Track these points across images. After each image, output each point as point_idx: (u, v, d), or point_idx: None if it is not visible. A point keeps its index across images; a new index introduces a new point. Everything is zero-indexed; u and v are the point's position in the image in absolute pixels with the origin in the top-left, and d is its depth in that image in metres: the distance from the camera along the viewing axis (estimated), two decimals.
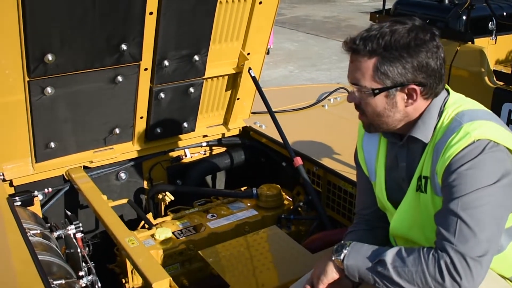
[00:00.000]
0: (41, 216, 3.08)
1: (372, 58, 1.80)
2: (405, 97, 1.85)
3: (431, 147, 1.85)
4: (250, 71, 3.43)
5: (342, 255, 1.89)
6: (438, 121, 1.86)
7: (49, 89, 2.76)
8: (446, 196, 1.77)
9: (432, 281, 1.71)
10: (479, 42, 5.87)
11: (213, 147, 3.83)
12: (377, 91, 1.83)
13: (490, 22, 6.06)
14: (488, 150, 1.73)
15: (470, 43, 5.81)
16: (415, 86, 1.82)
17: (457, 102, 1.89)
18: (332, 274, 1.93)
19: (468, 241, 1.69)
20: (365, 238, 2.09)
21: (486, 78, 5.52)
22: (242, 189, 3.54)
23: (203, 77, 3.30)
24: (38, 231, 2.62)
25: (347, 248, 1.90)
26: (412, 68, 1.79)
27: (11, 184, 3.04)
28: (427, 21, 6.00)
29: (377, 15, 6.88)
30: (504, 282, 1.93)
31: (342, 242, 1.94)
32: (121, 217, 3.14)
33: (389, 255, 1.79)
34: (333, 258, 1.92)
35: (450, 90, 1.94)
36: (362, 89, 1.85)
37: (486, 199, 1.71)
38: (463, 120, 1.80)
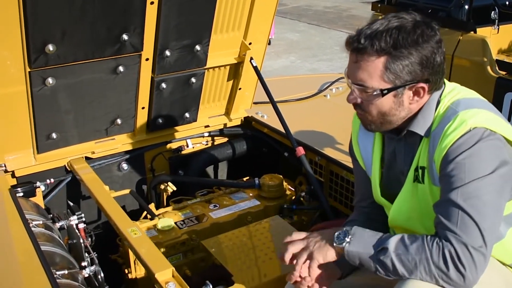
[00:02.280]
0: (43, 207, 3.09)
1: (381, 57, 1.75)
2: (411, 95, 1.83)
3: (428, 137, 1.85)
4: (252, 61, 3.42)
5: (344, 243, 1.87)
6: (435, 111, 1.86)
7: (50, 80, 2.75)
8: (445, 186, 1.77)
9: (435, 269, 1.71)
10: (482, 31, 5.85)
11: (215, 138, 3.82)
12: (386, 91, 1.79)
13: (493, 12, 6.04)
14: (484, 139, 1.73)
15: (472, 32, 5.78)
16: (423, 84, 1.80)
17: (453, 91, 1.89)
18: (331, 256, 1.90)
19: (471, 231, 1.69)
20: None
21: (488, 67, 5.50)
22: (244, 179, 3.55)
23: (205, 67, 3.29)
24: (41, 222, 2.63)
25: (349, 236, 1.87)
26: (420, 65, 1.77)
27: (13, 175, 3.04)
28: (429, 10, 5.98)
29: (379, 5, 6.85)
30: (505, 269, 1.94)
31: (345, 229, 1.90)
32: (123, 207, 3.14)
33: (392, 242, 1.78)
34: (334, 245, 1.90)
35: (445, 81, 1.93)
36: (368, 90, 1.80)
37: (485, 188, 1.71)
38: (458, 108, 1.79)
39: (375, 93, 1.80)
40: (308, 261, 1.91)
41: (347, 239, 1.87)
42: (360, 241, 1.85)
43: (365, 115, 1.89)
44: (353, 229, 1.89)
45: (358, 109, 1.90)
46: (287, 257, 1.94)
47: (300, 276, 1.94)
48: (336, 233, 1.90)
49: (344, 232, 1.90)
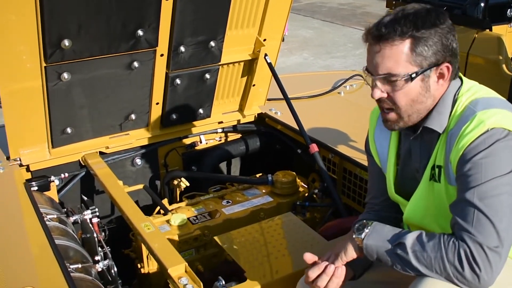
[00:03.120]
0: (57, 201, 3.11)
1: (405, 40, 1.75)
2: (436, 79, 1.82)
3: (445, 136, 1.84)
4: (266, 57, 3.42)
5: (363, 234, 1.88)
6: (452, 109, 1.85)
7: (65, 75, 2.77)
8: (462, 185, 1.75)
9: (450, 268, 1.70)
10: (497, 29, 5.80)
11: (229, 134, 3.83)
12: (414, 75, 1.77)
13: (509, 9, 5.98)
14: (503, 139, 1.71)
15: (487, 30, 5.74)
16: (448, 64, 1.80)
17: (471, 89, 1.86)
18: (351, 253, 1.93)
19: (486, 230, 1.68)
20: None
21: (503, 66, 5.46)
22: (257, 175, 3.54)
23: (219, 63, 3.29)
24: (55, 216, 2.64)
25: (369, 227, 1.89)
26: (442, 46, 1.77)
27: (28, 169, 3.06)
28: (445, 8, 5.94)
29: (394, 2, 6.81)
30: None
31: (364, 221, 1.92)
32: (136, 202, 3.15)
33: (410, 238, 1.78)
34: (353, 237, 1.91)
35: (464, 78, 1.91)
36: (396, 78, 1.78)
37: (502, 188, 1.69)
38: (476, 108, 1.77)
39: (404, 79, 1.78)
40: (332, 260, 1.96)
41: (366, 230, 1.88)
42: (378, 235, 1.86)
43: (391, 110, 1.86)
44: (373, 223, 1.90)
45: (385, 104, 1.86)
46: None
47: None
48: (356, 225, 1.92)
49: (364, 224, 1.91)
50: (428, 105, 1.85)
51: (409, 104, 1.83)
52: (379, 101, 1.87)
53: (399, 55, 1.76)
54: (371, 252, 1.86)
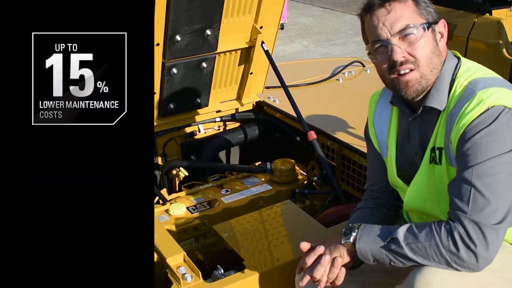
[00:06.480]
0: None
1: (408, 0, 1.83)
2: (440, 36, 1.88)
3: (444, 117, 1.83)
4: (263, 45, 3.39)
5: (352, 238, 1.87)
6: (450, 90, 1.84)
7: None
8: (460, 165, 1.75)
9: (446, 253, 1.69)
10: (497, 13, 5.77)
11: (227, 123, 3.81)
12: (427, 24, 1.82)
13: None
14: (502, 117, 1.71)
15: (487, 14, 5.71)
16: (443, 21, 1.88)
17: (469, 70, 1.86)
18: (346, 259, 1.91)
19: (483, 210, 1.67)
20: (371, 217, 2.08)
21: (504, 50, 5.43)
22: (256, 164, 3.53)
23: (216, 52, 3.27)
24: None
25: (356, 230, 1.88)
26: (433, 7, 1.87)
27: None
28: None
29: None
30: None
31: (350, 225, 1.91)
32: None
33: (401, 232, 1.78)
34: (342, 242, 1.89)
35: (462, 58, 1.91)
36: (413, 31, 1.80)
37: (501, 167, 1.69)
38: (476, 88, 1.77)
39: (421, 27, 1.82)
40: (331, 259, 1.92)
41: (354, 234, 1.87)
42: (369, 236, 1.85)
43: (411, 70, 1.84)
44: (361, 225, 1.89)
45: (406, 65, 1.83)
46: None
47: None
48: (343, 230, 1.91)
49: (350, 227, 1.90)
50: (439, 64, 1.86)
51: (428, 56, 1.83)
52: (398, 64, 1.83)
53: (409, 10, 1.82)
54: (366, 255, 1.85)
